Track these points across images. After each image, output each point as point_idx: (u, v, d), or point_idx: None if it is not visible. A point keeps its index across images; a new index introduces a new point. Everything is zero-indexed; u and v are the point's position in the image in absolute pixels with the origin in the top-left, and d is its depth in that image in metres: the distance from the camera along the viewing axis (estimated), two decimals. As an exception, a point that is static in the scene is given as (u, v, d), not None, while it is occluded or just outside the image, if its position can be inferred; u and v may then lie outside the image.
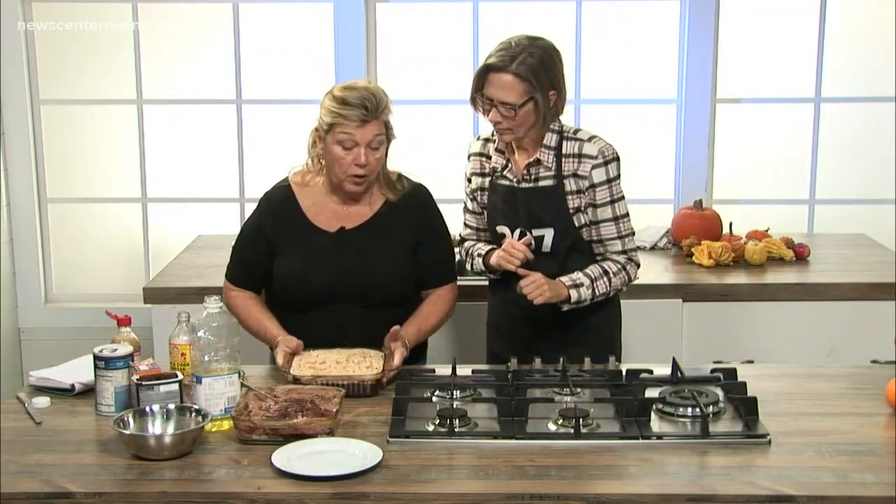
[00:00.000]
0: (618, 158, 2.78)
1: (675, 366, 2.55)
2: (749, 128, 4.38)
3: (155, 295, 3.53)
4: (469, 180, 2.93)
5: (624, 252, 2.82)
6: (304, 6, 4.33)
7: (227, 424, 2.29)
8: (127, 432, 2.19)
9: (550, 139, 2.77)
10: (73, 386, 2.52)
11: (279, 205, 2.81)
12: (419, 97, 4.36)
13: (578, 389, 2.48)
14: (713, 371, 2.60)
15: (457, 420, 2.27)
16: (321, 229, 2.79)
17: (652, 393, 2.43)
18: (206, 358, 2.32)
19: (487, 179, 2.88)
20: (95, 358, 2.40)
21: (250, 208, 2.91)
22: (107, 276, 4.52)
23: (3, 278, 4.30)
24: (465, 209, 2.98)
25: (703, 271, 3.68)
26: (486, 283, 3.04)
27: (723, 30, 4.27)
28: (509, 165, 2.83)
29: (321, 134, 2.70)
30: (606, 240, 2.81)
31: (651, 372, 2.59)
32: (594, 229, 2.80)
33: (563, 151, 2.77)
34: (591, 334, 2.86)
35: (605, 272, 2.78)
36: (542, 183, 2.79)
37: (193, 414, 2.27)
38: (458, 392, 2.46)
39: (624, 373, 2.58)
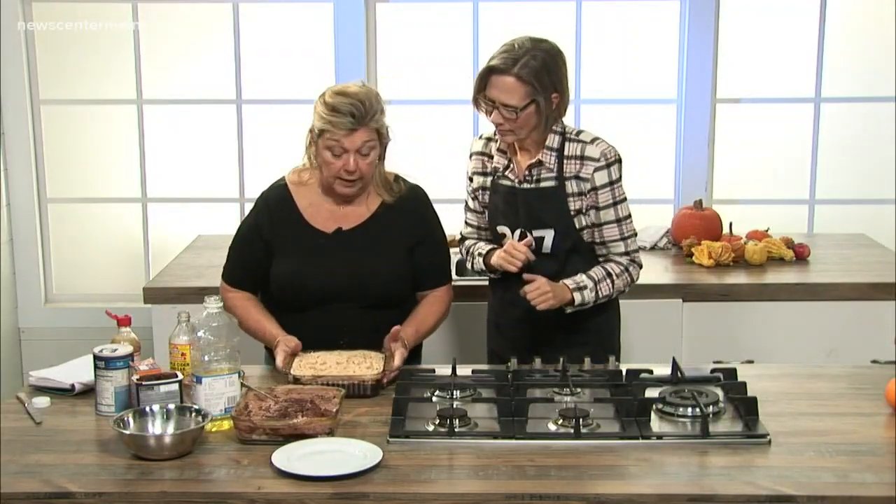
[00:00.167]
0: (620, 160, 2.78)
1: (675, 366, 2.55)
2: (749, 128, 4.38)
3: (155, 295, 3.53)
4: (471, 179, 2.93)
5: (626, 253, 2.82)
6: (304, 6, 4.33)
7: (227, 424, 2.29)
8: (127, 432, 2.19)
9: (553, 140, 2.77)
10: (73, 386, 2.52)
11: (276, 205, 2.81)
12: (419, 97, 4.36)
13: (578, 389, 2.48)
14: (713, 371, 2.60)
15: (457, 420, 2.27)
16: (318, 230, 2.79)
17: (652, 393, 2.43)
18: (206, 358, 2.32)
19: (489, 179, 2.88)
20: (95, 358, 2.40)
21: (250, 208, 2.91)
22: (107, 276, 4.52)
23: (3, 278, 4.30)
24: (467, 207, 2.98)
25: (703, 271, 3.68)
26: (486, 282, 3.04)
27: (723, 30, 4.27)
28: (511, 166, 2.83)
29: (314, 137, 2.71)
30: (609, 242, 2.81)
31: (651, 372, 2.59)
32: (597, 231, 2.80)
33: (566, 153, 2.77)
34: (590, 334, 2.86)
35: (609, 274, 2.78)
36: (543, 184, 2.79)
37: (193, 414, 2.27)
38: (458, 392, 2.46)
39: (624, 373, 2.58)
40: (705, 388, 2.44)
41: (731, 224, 3.96)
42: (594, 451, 2.18)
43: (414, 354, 2.89)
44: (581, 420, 2.25)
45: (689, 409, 2.33)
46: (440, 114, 4.40)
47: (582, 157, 2.76)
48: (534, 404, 2.35)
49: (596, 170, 2.75)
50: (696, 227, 3.88)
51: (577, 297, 2.74)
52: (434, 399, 2.45)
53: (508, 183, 2.83)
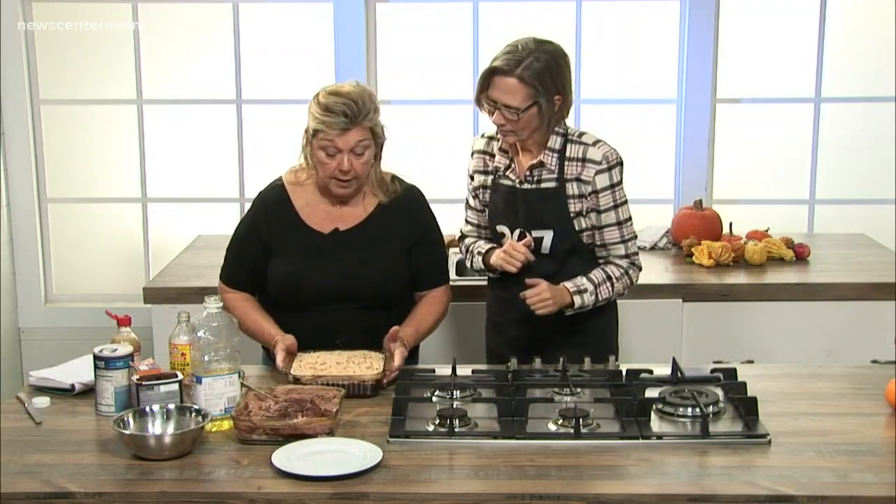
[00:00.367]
0: (621, 163, 2.78)
1: (675, 366, 2.55)
2: (749, 128, 4.38)
3: (155, 295, 3.53)
4: (471, 177, 2.93)
5: (626, 256, 2.82)
6: (304, 6, 4.33)
7: (227, 424, 2.29)
8: (127, 432, 2.19)
9: (555, 142, 2.77)
10: (73, 386, 2.52)
11: (273, 205, 2.81)
12: (419, 97, 4.36)
13: (578, 389, 2.48)
14: (713, 371, 2.60)
15: (457, 420, 2.27)
16: (315, 230, 2.79)
17: (652, 393, 2.43)
18: (206, 358, 2.32)
19: (490, 178, 2.88)
20: (95, 358, 2.40)
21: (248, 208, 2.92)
22: (107, 276, 4.52)
23: (3, 278, 4.30)
24: (467, 206, 2.98)
25: (703, 271, 3.68)
26: (485, 282, 3.05)
27: (723, 30, 4.27)
28: (512, 165, 2.83)
29: (309, 137, 2.71)
30: (610, 244, 2.81)
31: (651, 372, 2.59)
32: (597, 234, 2.80)
33: (567, 155, 2.77)
34: (588, 336, 2.86)
35: (609, 277, 2.78)
36: (543, 185, 2.79)
37: (193, 414, 2.27)
38: (458, 392, 2.46)
39: (624, 373, 2.58)
40: (705, 388, 2.44)
41: (731, 224, 3.97)
42: (594, 451, 2.18)
43: (411, 355, 2.89)
44: (581, 420, 2.25)
45: (689, 409, 2.33)
46: (440, 114, 4.40)
47: (584, 160, 2.75)
48: (534, 404, 2.35)
49: (597, 172, 2.74)
50: (696, 227, 3.88)
51: (577, 300, 2.74)
52: (434, 399, 2.45)
53: (509, 183, 2.83)
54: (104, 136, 4.44)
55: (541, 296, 2.69)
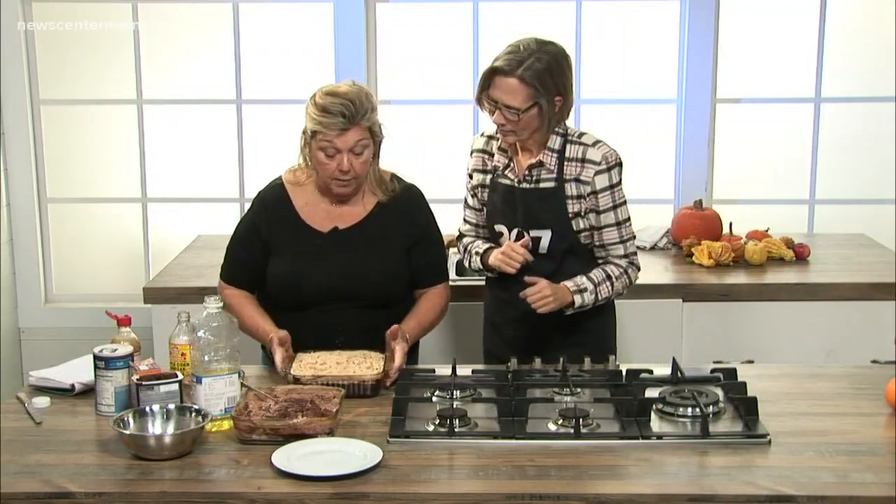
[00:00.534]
0: (621, 164, 2.78)
1: (675, 366, 2.55)
2: (749, 128, 4.38)
3: (155, 295, 3.53)
4: (470, 176, 2.93)
5: (625, 256, 2.82)
6: (304, 6, 4.33)
7: (227, 424, 2.29)
8: (127, 432, 2.19)
9: (554, 142, 2.77)
10: (73, 386, 2.52)
11: (273, 204, 2.82)
12: (419, 97, 4.36)
13: (578, 389, 2.48)
14: (713, 371, 2.60)
15: (457, 420, 2.27)
16: (315, 229, 2.79)
17: (652, 393, 2.43)
18: (206, 358, 2.32)
19: (488, 177, 2.88)
20: (95, 358, 2.40)
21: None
22: (107, 276, 4.52)
23: (3, 278, 4.30)
24: (465, 205, 2.98)
25: (703, 271, 3.68)
26: (484, 282, 3.04)
27: (723, 30, 4.27)
28: (511, 165, 2.83)
29: (307, 138, 2.71)
30: (609, 244, 2.81)
31: (651, 372, 2.59)
32: (597, 234, 2.81)
33: (567, 155, 2.77)
34: (587, 335, 2.86)
35: (608, 276, 2.78)
36: (542, 185, 2.79)
37: (193, 414, 2.27)
38: (458, 392, 2.46)
39: (624, 373, 2.58)
40: (705, 388, 2.44)
41: (731, 224, 3.97)
42: (594, 451, 2.18)
43: (411, 354, 2.89)
44: (581, 420, 2.25)
45: (689, 409, 2.33)
46: (440, 114, 4.40)
47: (583, 160, 2.76)
48: (534, 404, 2.35)
49: (597, 173, 2.75)
50: (696, 227, 3.88)
51: (578, 299, 2.74)
52: (434, 399, 2.45)
53: (508, 182, 2.83)
54: (104, 136, 4.44)
55: (541, 293, 2.69)
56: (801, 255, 3.81)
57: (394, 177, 2.85)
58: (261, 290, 2.84)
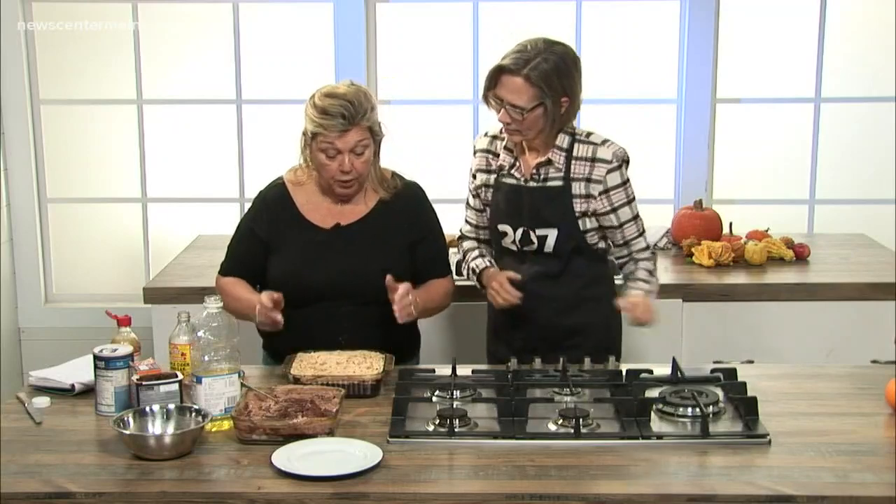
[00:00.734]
0: (628, 161, 2.80)
1: (675, 366, 2.55)
2: (749, 128, 4.38)
3: (155, 295, 3.53)
4: (474, 176, 2.93)
5: (647, 248, 2.87)
6: (304, 6, 4.33)
7: (227, 424, 2.29)
8: (127, 432, 2.19)
9: (563, 140, 2.78)
10: (73, 386, 2.52)
11: (274, 202, 2.82)
12: (419, 97, 4.36)
13: (578, 389, 2.48)
14: (713, 371, 2.60)
15: (457, 420, 2.27)
16: (316, 226, 2.80)
17: (652, 393, 2.43)
18: (206, 358, 2.32)
19: (492, 177, 2.88)
20: (95, 358, 2.40)
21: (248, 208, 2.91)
22: (107, 276, 4.51)
23: (3, 278, 4.30)
24: (467, 205, 2.98)
25: (703, 271, 3.68)
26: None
27: (723, 30, 4.27)
28: (517, 164, 2.83)
29: (307, 140, 2.71)
30: (631, 240, 2.83)
31: (651, 372, 2.59)
32: (618, 232, 2.82)
33: (575, 154, 2.78)
34: (590, 339, 2.85)
35: (650, 272, 2.86)
36: (550, 183, 2.79)
37: (193, 414, 2.27)
38: (458, 392, 2.46)
39: (624, 373, 2.58)
40: (705, 388, 2.44)
41: (731, 224, 3.97)
42: (594, 451, 2.18)
43: (412, 352, 2.90)
44: (581, 420, 2.25)
45: (689, 409, 2.33)
46: (440, 114, 4.40)
47: (593, 160, 2.76)
48: (534, 404, 2.35)
49: (609, 171, 2.75)
50: (696, 227, 3.88)
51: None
52: (434, 399, 2.45)
53: (513, 181, 2.83)
54: (104, 136, 4.44)
55: (643, 306, 2.74)
56: (801, 255, 3.81)
57: (395, 174, 2.85)
58: (263, 288, 2.84)
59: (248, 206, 2.96)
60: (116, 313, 2.62)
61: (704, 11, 4.20)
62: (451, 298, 2.92)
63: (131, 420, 2.24)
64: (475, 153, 2.92)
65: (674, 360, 2.57)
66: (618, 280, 2.95)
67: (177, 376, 2.36)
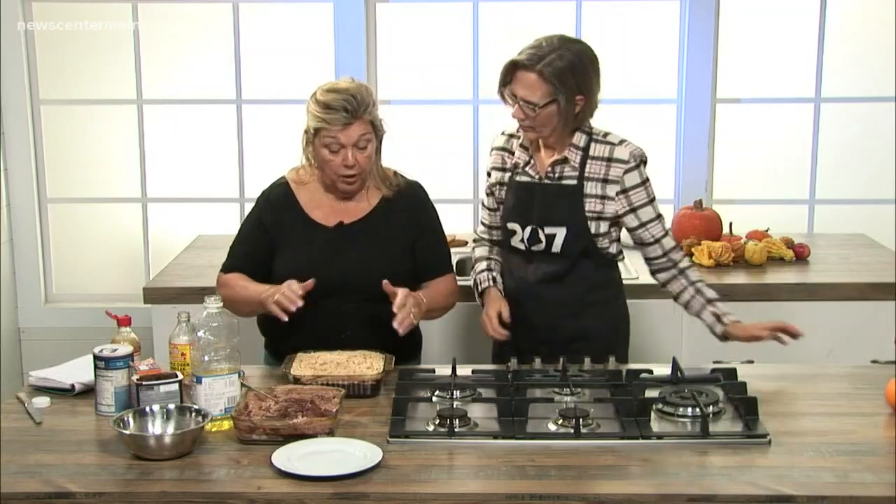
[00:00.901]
0: (646, 160, 2.80)
1: (675, 366, 2.56)
2: (749, 128, 4.37)
3: (155, 295, 3.53)
4: (489, 174, 2.93)
5: (678, 246, 2.85)
6: (304, 6, 4.33)
7: (227, 424, 2.30)
8: (127, 432, 2.19)
9: (580, 139, 2.78)
10: (73, 386, 2.53)
11: (277, 201, 2.83)
12: (419, 97, 4.36)
13: (578, 389, 2.48)
14: (713, 371, 2.60)
15: (457, 420, 2.27)
16: (320, 224, 2.80)
17: (652, 393, 2.43)
18: (206, 358, 2.32)
19: (507, 174, 2.87)
20: (95, 358, 2.40)
21: (250, 208, 2.91)
22: (107, 276, 4.51)
23: (3, 278, 4.30)
24: (483, 205, 2.98)
25: (703, 271, 3.66)
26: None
27: (723, 30, 4.26)
28: (532, 161, 2.83)
29: (310, 137, 2.71)
30: (660, 238, 2.81)
31: (651, 372, 2.59)
32: (644, 232, 2.80)
33: (591, 153, 2.77)
34: (594, 344, 2.84)
35: (700, 279, 2.85)
36: (564, 182, 2.79)
37: (193, 414, 2.27)
38: (458, 392, 2.46)
39: (624, 373, 2.58)
40: (705, 388, 2.44)
41: (731, 224, 3.97)
42: (594, 451, 2.18)
43: (413, 352, 2.89)
44: (581, 420, 2.25)
45: (689, 409, 2.33)
46: (440, 114, 4.40)
47: (610, 160, 2.76)
48: (534, 404, 2.35)
49: (626, 171, 2.75)
50: (696, 227, 3.88)
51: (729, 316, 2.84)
52: (434, 399, 2.45)
53: (527, 179, 2.82)
54: (104, 136, 4.44)
55: (751, 329, 2.79)
56: (801, 255, 3.81)
57: (396, 173, 2.86)
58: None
59: (248, 206, 2.96)
60: (116, 313, 2.62)
61: (704, 11, 4.20)
62: (456, 297, 2.91)
63: (131, 420, 2.24)
64: (491, 152, 2.92)
65: (674, 360, 2.58)
66: (677, 303, 2.91)
67: (177, 376, 2.36)
